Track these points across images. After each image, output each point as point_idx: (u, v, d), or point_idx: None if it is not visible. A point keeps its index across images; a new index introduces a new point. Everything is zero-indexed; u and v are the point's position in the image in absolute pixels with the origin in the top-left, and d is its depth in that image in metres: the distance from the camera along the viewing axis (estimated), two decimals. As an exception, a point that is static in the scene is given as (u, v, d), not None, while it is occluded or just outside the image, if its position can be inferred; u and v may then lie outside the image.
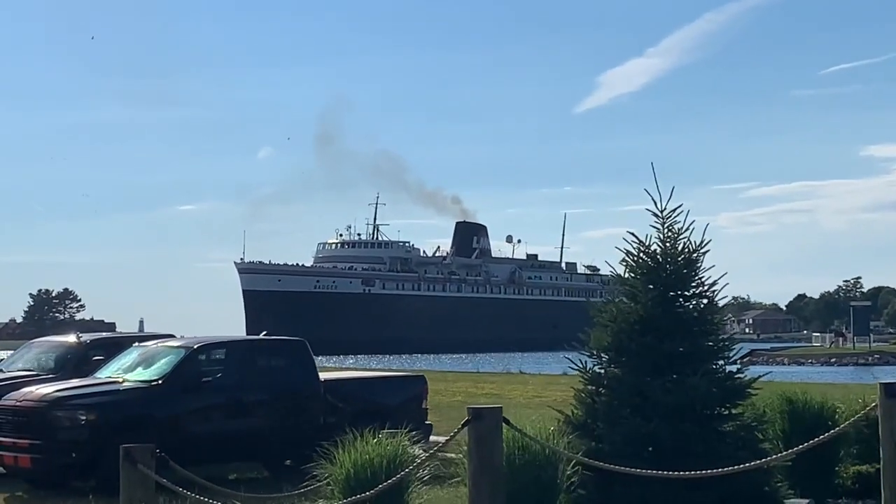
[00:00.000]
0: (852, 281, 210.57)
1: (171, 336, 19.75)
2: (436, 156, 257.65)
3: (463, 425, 10.25)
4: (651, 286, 12.42)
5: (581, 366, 12.60)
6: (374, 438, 11.69)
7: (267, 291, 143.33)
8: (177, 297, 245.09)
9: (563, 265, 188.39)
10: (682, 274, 12.45)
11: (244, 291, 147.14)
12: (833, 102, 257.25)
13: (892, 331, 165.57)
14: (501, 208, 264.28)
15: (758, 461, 10.70)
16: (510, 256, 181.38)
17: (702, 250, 12.51)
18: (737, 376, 12.31)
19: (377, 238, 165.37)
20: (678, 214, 12.54)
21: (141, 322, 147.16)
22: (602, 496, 11.60)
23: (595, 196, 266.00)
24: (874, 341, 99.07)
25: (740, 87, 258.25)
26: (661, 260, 12.47)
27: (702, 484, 11.08)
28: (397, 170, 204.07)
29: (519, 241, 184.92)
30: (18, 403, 16.36)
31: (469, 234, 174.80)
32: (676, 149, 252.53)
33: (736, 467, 9.82)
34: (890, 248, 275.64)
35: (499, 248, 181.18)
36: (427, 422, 18.70)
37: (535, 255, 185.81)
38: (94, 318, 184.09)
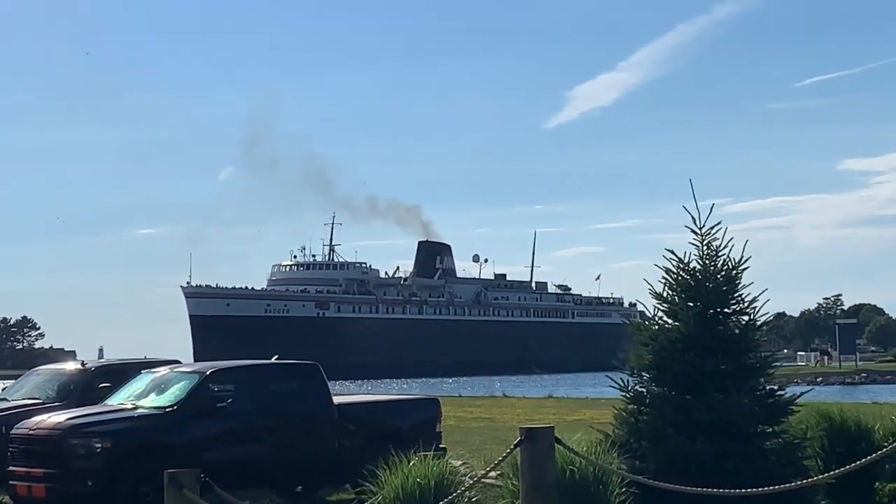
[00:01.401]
0: (832, 298, 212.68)
1: (177, 362, 20.20)
2: (401, 175, 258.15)
3: (515, 446, 10.86)
4: (691, 304, 13.10)
5: (623, 384, 13.19)
6: (420, 460, 12.20)
7: (215, 316, 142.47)
8: (137, 323, 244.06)
9: (534, 285, 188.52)
10: (722, 291, 13.12)
11: (191, 317, 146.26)
12: (809, 115, 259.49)
13: (874, 349, 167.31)
14: (470, 228, 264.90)
15: (808, 480, 11.29)
16: (476, 276, 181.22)
17: (741, 267, 13.20)
18: (778, 394, 12.99)
19: (333, 259, 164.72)
20: (717, 231, 13.24)
21: (100, 350, 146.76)
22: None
23: (567, 214, 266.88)
24: (859, 360, 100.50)
25: (713, 101, 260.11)
26: (700, 277, 13.15)
27: (749, 502, 11.71)
28: (324, 179, 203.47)
29: (486, 261, 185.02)
30: (31, 432, 16.77)
31: (432, 254, 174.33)
32: (649, 164, 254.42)
33: (787, 485, 10.47)
34: (869, 263, 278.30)
35: (464, 268, 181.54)
36: (441, 445, 19.25)
37: (503, 275, 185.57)
38: (54, 347, 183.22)
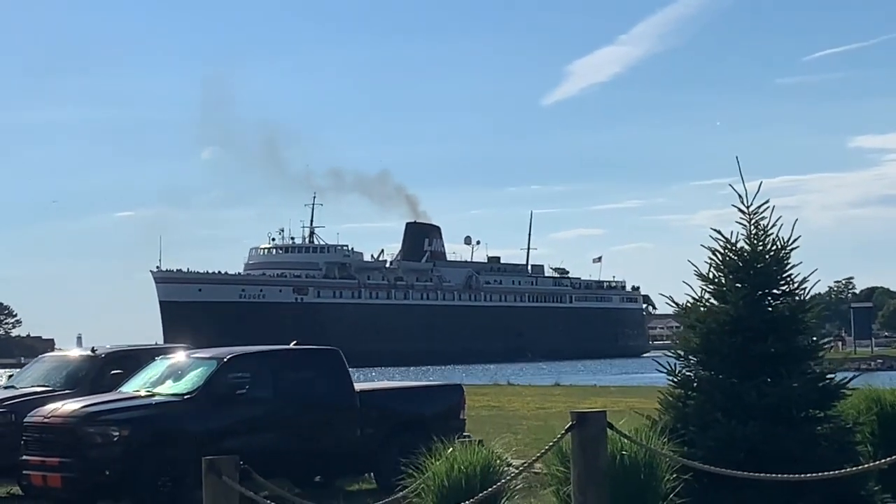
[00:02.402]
0: (844, 281, 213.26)
1: (190, 347, 20.37)
2: (391, 155, 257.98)
3: (567, 430, 11.05)
4: (739, 285, 13.27)
5: (669, 368, 13.37)
6: (464, 447, 12.38)
7: (186, 302, 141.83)
8: (117, 310, 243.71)
9: (529, 268, 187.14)
10: (771, 272, 13.28)
11: (161, 303, 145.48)
12: (819, 91, 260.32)
13: (887, 334, 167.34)
14: (463, 210, 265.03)
15: (864, 465, 11.44)
16: (468, 259, 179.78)
17: (790, 247, 13.37)
18: (828, 377, 13.19)
19: (313, 242, 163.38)
20: (765, 210, 13.40)
21: (79, 338, 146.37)
22: (700, 501, 12.41)
23: (564, 195, 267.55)
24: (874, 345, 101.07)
25: (719, 76, 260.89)
26: (748, 258, 13.32)
27: (802, 488, 11.90)
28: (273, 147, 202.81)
29: (478, 243, 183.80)
30: (46, 420, 16.95)
31: (420, 236, 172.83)
32: (651, 143, 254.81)
33: (839, 471, 10.67)
34: (882, 245, 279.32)
35: (455, 251, 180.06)
36: (466, 433, 19.46)
37: (497, 258, 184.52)
38: (32, 335, 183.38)
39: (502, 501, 12.29)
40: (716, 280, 13.42)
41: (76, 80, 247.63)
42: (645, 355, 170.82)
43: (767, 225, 13.38)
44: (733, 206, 13.45)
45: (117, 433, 16.68)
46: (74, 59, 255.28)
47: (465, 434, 19.36)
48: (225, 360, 17.92)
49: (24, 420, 17.32)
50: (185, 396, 17.38)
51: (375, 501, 13.15)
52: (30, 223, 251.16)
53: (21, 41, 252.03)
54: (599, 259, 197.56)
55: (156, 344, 21.40)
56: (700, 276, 13.57)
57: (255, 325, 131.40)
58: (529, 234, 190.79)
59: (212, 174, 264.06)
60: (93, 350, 20.34)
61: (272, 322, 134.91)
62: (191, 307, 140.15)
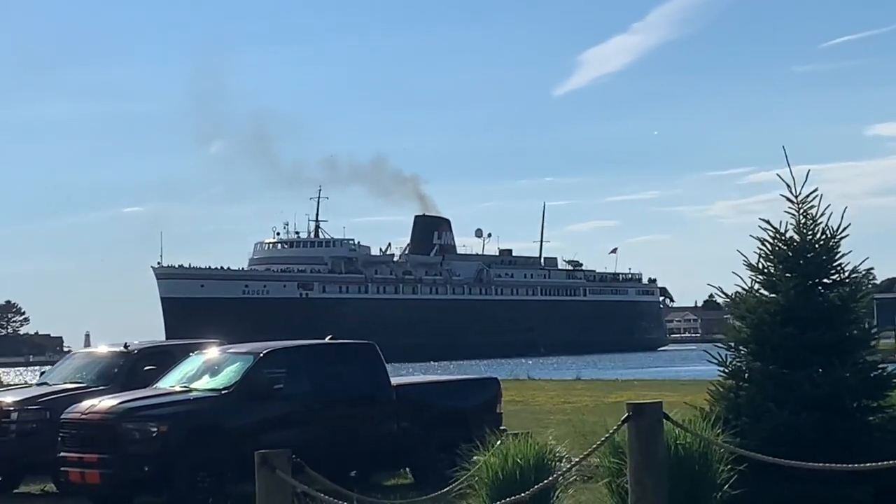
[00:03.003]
0: (864, 272, 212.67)
1: (222, 343, 20.64)
2: (401, 147, 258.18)
3: (623, 421, 11.32)
4: (788, 275, 13.52)
5: (720, 360, 13.62)
6: (517, 439, 12.64)
7: (187, 298, 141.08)
8: (122, 306, 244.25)
9: (542, 261, 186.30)
10: (821, 261, 13.54)
11: (162, 299, 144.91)
12: (836, 78, 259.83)
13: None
14: (475, 202, 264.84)
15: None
16: (479, 253, 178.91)
17: (839, 236, 13.62)
18: (880, 367, 13.44)
19: (318, 236, 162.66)
20: (814, 199, 13.65)
21: (87, 336, 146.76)
22: (754, 492, 12.67)
23: (578, 186, 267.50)
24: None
25: (734, 64, 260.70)
26: (798, 248, 13.57)
27: (857, 478, 12.15)
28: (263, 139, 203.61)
29: (489, 236, 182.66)
30: (84, 416, 17.21)
31: (429, 229, 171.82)
32: (666, 133, 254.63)
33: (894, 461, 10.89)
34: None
35: (466, 244, 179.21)
36: (502, 427, 19.72)
37: (509, 251, 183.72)
38: (40, 332, 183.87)
39: (556, 494, 12.56)
40: (765, 270, 13.66)
41: (74, 73, 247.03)
42: (661, 349, 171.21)
43: (816, 214, 13.62)
44: (782, 195, 13.69)
45: (156, 429, 16.92)
46: (71, 53, 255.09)
47: (501, 427, 19.66)
48: (262, 355, 18.18)
49: (62, 416, 17.56)
50: (223, 392, 17.63)
51: (418, 496, 13.44)
52: (30, 219, 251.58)
53: (19, 36, 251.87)
54: (615, 251, 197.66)
55: (187, 341, 21.54)
56: (749, 266, 13.80)
57: (258, 321, 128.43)
58: (542, 227, 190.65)
59: (212, 169, 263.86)
60: (125, 346, 20.63)
61: (276, 318, 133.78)
62: (193, 303, 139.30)
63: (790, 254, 13.54)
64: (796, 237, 13.59)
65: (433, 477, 18.20)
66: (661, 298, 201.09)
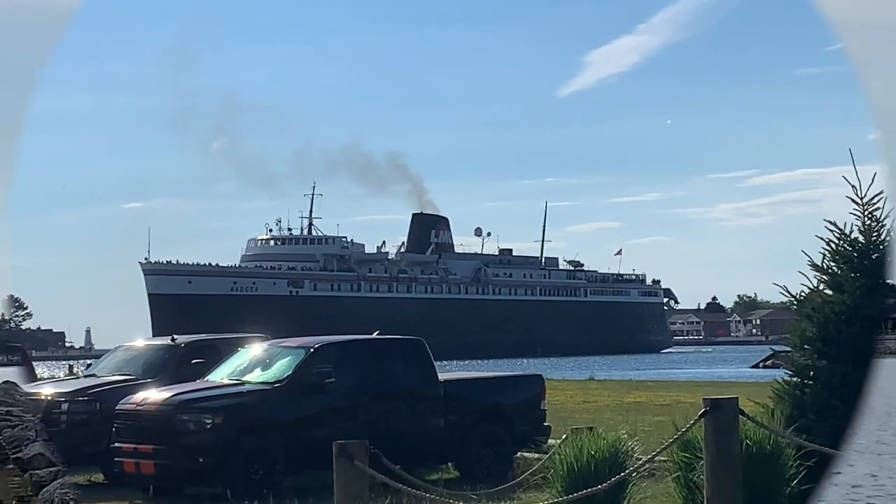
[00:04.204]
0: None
1: (268, 337, 21.13)
2: (403, 145, 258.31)
3: (700, 416, 11.82)
4: (853, 275, 14.02)
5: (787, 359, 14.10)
6: (592, 434, 13.08)
7: (175, 295, 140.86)
8: (122, 302, 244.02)
9: (543, 261, 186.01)
10: (886, 262, 14.05)
11: (150, 295, 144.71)
12: (841, 81, 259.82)
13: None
14: (477, 202, 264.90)
15: None
16: (478, 252, 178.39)
17: (906, 238, 14.11)
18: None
19: (311, 233, 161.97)
20: (879, 201, 14.14)
21: (88, 332, 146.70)
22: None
23: (581, 187, 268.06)
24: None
25: (739, 66, 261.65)
26: (863, 249, 14.06)
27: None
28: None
29: (489, 235, 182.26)
30: (139, 408, 17.70)
31: (426, 228, 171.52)
32: (670, 134, 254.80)
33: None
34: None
35: (465, 243, 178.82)
36: (546, 423, 20.22)
37: (509, 250, 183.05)
38: (42, 328, 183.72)
39: (629, 488, 13.00)
40: (829, 270, 14.15)
41: (90, 65, 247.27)
42: (665, 351, 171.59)
43: (881, 215, 14.10)
44: (847, 197, 14.18)
45: (210, 421, 17.40)
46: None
47: (545, 424, 20.17)
48: (313, 349, 18.67)
49: (116, 408, 18.03)
50: (275, 385, 18.10)
51: (465, 490, 13.88)
52: (31, 214, 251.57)
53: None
54: (620, 252, 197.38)
55: (233, 335, 22.03)
56: (814, 266, 14.28)
57: (247, 319, 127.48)
58: (544, 226, 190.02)
59: (213, 167, 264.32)
60: (173, 339, 21.13)
61: (264, 316, 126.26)
62: (180, 300, 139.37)
63: (855, 255, 14.01)
64: (861, 238, 14.05)
65: (478, 472, 18.73)
66: (666, 300, 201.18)
